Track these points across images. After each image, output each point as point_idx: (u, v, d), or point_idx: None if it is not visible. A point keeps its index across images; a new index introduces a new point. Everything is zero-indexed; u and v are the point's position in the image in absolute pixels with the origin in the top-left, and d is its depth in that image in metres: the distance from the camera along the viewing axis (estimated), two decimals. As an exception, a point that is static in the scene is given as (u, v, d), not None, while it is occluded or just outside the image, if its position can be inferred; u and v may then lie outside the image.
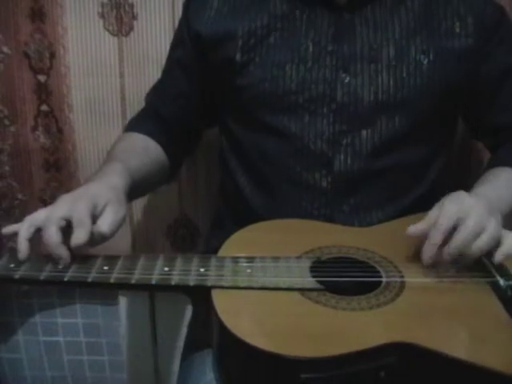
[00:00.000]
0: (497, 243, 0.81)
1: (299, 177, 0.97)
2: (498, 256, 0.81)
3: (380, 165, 0.96)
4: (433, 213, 0.83)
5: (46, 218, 0.79)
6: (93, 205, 0.80)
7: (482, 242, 0.79)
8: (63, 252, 0.79)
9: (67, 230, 0.79)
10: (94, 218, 0.81)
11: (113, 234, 0.82)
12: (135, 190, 0.93)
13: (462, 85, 0.97)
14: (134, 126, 1.09)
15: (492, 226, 0.80)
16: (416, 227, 0.83)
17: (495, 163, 1.04)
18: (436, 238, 0.80)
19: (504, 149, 1.05)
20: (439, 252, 0.81)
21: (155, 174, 1.03)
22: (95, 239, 0.80)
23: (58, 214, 0.78)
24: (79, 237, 0.78)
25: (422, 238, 0.83)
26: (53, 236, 0.78)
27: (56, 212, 0.79)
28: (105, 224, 0.80)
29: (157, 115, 1.07)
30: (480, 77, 0.98)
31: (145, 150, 1.02)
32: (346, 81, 0.93)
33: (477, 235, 0.79)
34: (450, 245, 0.80)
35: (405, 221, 0.94)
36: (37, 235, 0.80)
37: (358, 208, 0.97)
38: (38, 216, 0.80)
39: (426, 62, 0.94)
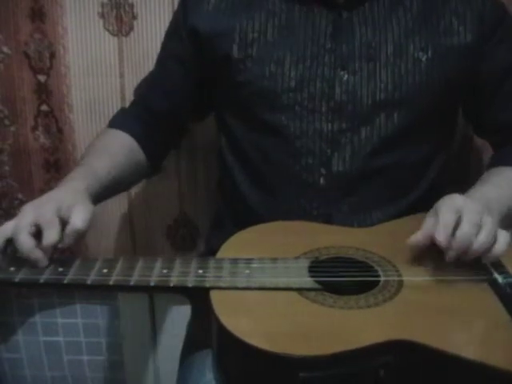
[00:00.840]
0: (494, 240, 0.81)
1: (298, 175, 0.97)
2: (495, 252, 0.80)
3: (379, 163, 0.96)
4: (430, 219, 0.82)
5: (14, 227, 0.80)
6: (57, 207, 0.81)
7: (483, 237, 0.79)
8: (38, 255, 0.80)
9: (38, 235, 0.80)
10: (61, 221, 0.81)
11: (86, 229, 0.82)
12: (105, 191, 0.94)
13: (461, 82, 0.97)
14: (116, 122, 1.08)
15: (490, 221, 0.80)
16: (416, 237, 0.82)
17: (496, 163, 1.04)
18: (443, 239, 0.79)
19: (505, 148, 1.05)
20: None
21: (131, 172, 1.03)
22: (71, 237, 0.81)
23: (26, 221, 0.80)
24: (50, 236, 0.79)
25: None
26: (24, 242, 0.79)
27: (23, 220, 0.80)
28: (78, 220, 0.81)
29: (146, 108, 1.07)
30: (480, 74, 0.98)
31: (120, 149, 1.02)
32: (345, 79, 0.93)
33: (477, 230, 0.79)
34: (454, 241, 0.79)
35: (403, 221, 0.95)
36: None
37: (357, 207, 0.97)
38: (6, 228, 0.81)
39: (424, 59, 0.93)
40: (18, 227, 0.80)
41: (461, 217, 0.80)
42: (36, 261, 0.80)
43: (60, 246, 0.81)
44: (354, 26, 0.94)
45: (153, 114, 1.06)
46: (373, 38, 0.94)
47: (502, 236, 0.81)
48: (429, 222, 0.82)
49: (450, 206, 0.82)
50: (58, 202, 0.82)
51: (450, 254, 0.80)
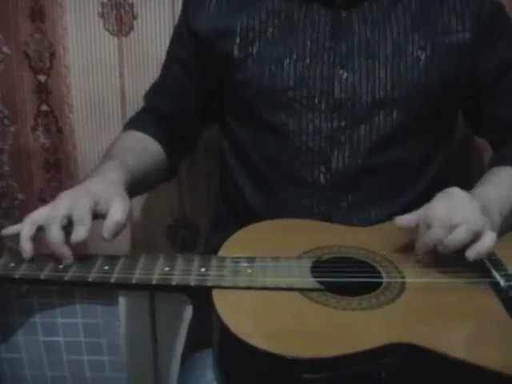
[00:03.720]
0: (475, 239, 0.80)
1: (298, 174, 0.97)
2: (470, 253, 0.79)
3: (378, 161, 0.96)
4: (421, 210, 0.84)
5: (48, 216, 0.78)
6: (94, 202, 0.80)
7: (458, 234, 0.79)
8: (66, 251, 0.79)
9: (68, 227, 0.79)
10: (97, 215, 0.80)
11: (126, 222, 0.81)
12: (133, 187, 0.93)
13: (459, 80, 0.98)
14: (132, 124, 1.08)
15: (473, 219, 0.79)
16: (403, 218, 0.85)
17: (497, 162, 1.04)
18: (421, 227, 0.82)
19: (505, 147, 1.05)
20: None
21: (154, 172, 1.03)
22: (111, 231, 0.79)
23: (61, 213, 0.78)
24: (79, 234, 0.77)
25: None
26: (56, 235, 0.77)
27: (58, 210, 0.78)
28: (118, 212, 0.79)
29: (156, 113, 1.07)
30: (478, 72, 0.98)
31: (143, 148, 1.02)
32: (344, 77, 0.94)
33: (455, 227, 0.79)
34: (425, 233, 0.81)
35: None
36: (40, 234, 0.80)
37: (356, 205, 0.97)
38: (40, 214, 0.80)
39: (423, 57, 0.94)
40: (52, 217, 0.78)
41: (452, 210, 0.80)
42: (61, 256, 0.79)
43: (103, 239, 0.79)
44: (353, 25, 0.94)
45: (164, 119, 1.07)
46: (372, 36, 0.94)
47: (487, 237, 0.80)
48: (420, 211, 0.84)
49: (442, 201, 0.83)
50: (95, 195, 0.81)
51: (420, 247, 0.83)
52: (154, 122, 1.07)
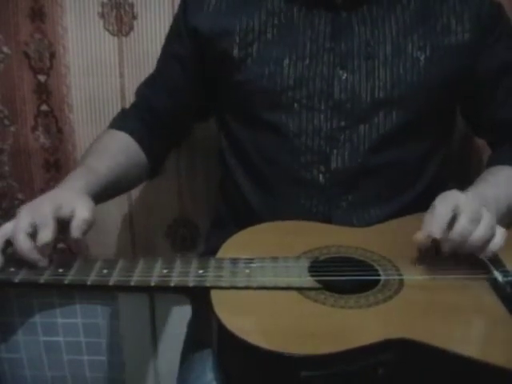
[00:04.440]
0: (492, 235, 0.81)
1: (297, 174, 0.97)
2: (492, 247, 0.80)
3: (378, 161, 0.96)
4: (427, 216, 0.82)
5: (13, 228, 0.80)
6: (56, 205, 0.82)
7: (481, 231, 0.79)
8: (36, 256, 0.81)
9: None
10: (62, 220, 0.82)
11: (93, 221, 0.83)
12: (106, 190, 0.94)
13: (459, 81, 0.98)
14: (117, 122, 1.08)
15: (488, 216, 0.80)
16: (417, 238, 0.82)
17: (494, 162, 1.04)
18: (436, 231, 0.79)
19: (503, 147, 1.05)
20: (439, 246, 0.81)
21: (131, 172, 1.03)
22: (79, 229, 0.81)
23: (23, 222, 0.80)
24: (43, 235, 0.79)
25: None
26: (22, 243, 0.79)
27: (20, 221, 0.80)
28: (84, 211, 0.82)
29: (147, 109, 1.07)
30: (477, 73, 0.98)
31: (120, 150, 1.02)
32: (344, 77, 0.94)
33: (475, 223, 0.79)
34: (451, 233, 0.79)
35: (403, 220, 0.95)
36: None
37: (356, 204, 0.97)
38: (6, 228, 0.82)
39: (422, 58, 0.94)
40: (16, 228, 0.80)
41: (458, 212, 0.80)
42: (35, 261, 0.81)
43: (71, 238, 0.81)
44: (352, 26, 0.94)
45: (154, 115, 1.07)
46: (371, 37, 0.94)
47: (500, 232, 0.81)
48: (427, 219, 0.82)
49: (445, 201, 0.82)
50: (55, 201, 0.82)
51: (445, 247, 0.80)
52: (141, 121, 1.06)
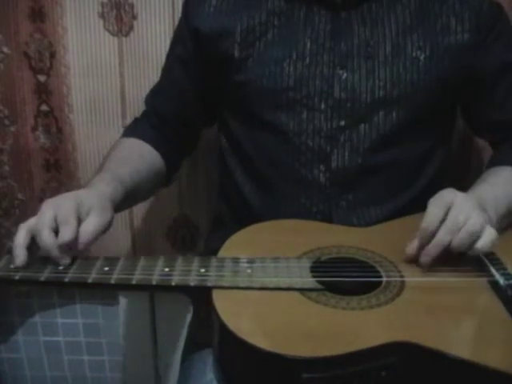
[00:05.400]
0: (477, 235, 0.81)
1: (297, 173, 0.97)
2: (481, 246, 0.81)
3: (378, 160, 0.96)
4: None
5: (36, 223, 0.80)
6: (77, 204, 0.81)
7: (464, 231, 0.80)
8: (59, 253, 0.80)
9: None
10: (79, 219, 0.81)
11: (96, 236, 0.82)
12: (127, 198, 0.94)
13: (458, 81, 0.98)
14: (131, 130, 1.09)
15: (479, 215, 0.81)
16: (412, 247, 0.84)
17: (495, 162, 1.04)
18: (424, 238, 0.82)
19: (504, 148, 1.05)
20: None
21: (150, 180, 1.03)
22: (84, 239, 0.81)
23: (47, 217, 0.79)
24: (64, 234, 0.79)
25: None
26: (47, 239, 0.79)
27: (44, 215, 0.80)
28: (90, 225, 0.81)
29: (157, 116, 1.08)
30: (477, 73, 0.99)
31: (139, 157, 1.02)
32: (344, 77, 0.94)
33: (459, 225, 0.80)
34: (437, 233, 0.81)
35: (404, 221, 0.95)
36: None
37: (356, 203, 0.97)
38: (30, 222, 0.81)
39: (422, 57, 0.94)
40: (40, 223, 0.79)
41: (450, 211, 0.80)
42: (57, 258, 0.80)
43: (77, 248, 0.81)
44: (352, 25, 0.94)
45: (163, 121, 1.07)
46: (371, 36, 0.94)
47: (489, 232, 0.81)
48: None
49: (439, 200, 0.83)
50: (78, 200, 0.82)
51: (430, 246, 0.82)
52: (153, 128, 1.07)
